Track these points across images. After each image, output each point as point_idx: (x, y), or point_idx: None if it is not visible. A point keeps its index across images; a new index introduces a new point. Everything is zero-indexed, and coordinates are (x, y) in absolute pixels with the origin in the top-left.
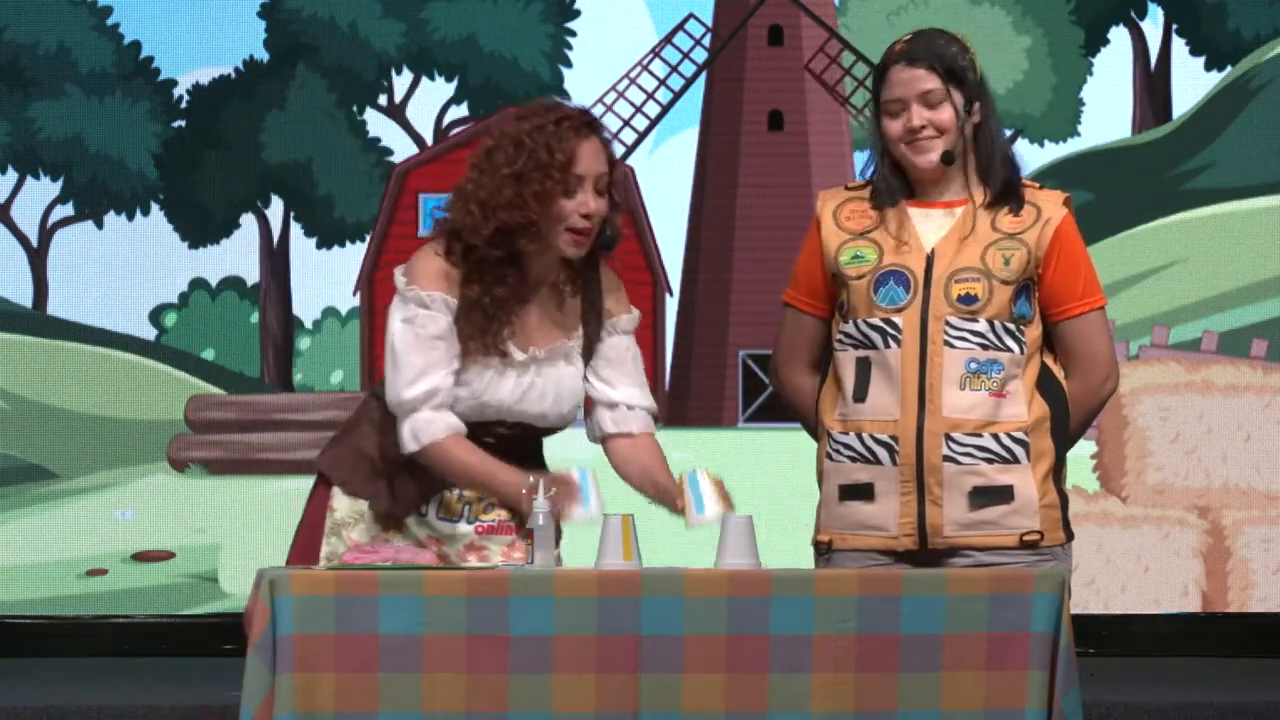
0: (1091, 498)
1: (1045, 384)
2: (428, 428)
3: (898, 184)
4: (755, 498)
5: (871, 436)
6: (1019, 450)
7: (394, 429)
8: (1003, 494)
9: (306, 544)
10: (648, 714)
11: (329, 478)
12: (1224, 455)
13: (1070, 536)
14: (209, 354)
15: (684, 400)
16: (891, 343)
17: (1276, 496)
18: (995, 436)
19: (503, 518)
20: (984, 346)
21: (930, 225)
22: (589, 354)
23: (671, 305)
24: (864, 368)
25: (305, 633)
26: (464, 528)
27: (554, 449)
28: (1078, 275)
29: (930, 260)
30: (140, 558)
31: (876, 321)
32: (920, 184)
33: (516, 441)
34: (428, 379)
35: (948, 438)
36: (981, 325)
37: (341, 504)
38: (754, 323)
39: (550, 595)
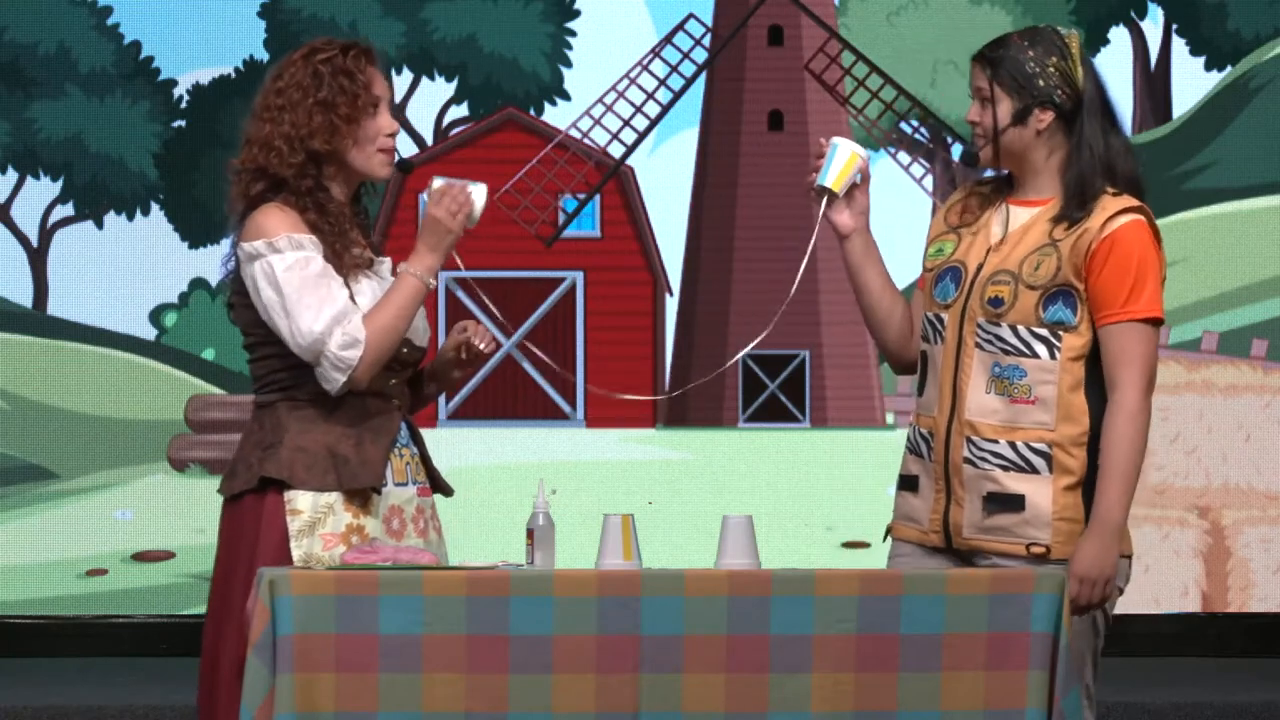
0: None
1: (1096, 396)
2: (354, 333)
3: (1002, 180)
4: (755, 498)
5: (919, 431)
6: (1038, 460)
7: (312, 415)
8: (1014, 503)
9: (276, 558)
10: (648, 714)
11: (287, 483)
12: (1224, 455)
13: None
14: (209, 354)
15: (684, 400)
16: (938, 339)
17: (1276, 496)
18: (1013, 445)
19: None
20: (1005, 351)
21: (1015, 222)
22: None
23: (671, 305)
24: (924, 361)
25: (305, 633)
26: (410, 490)
27: (556, 451)
28: (1122, 284)
29: (984, 259)
30: (140, 558)
31: (931, 316)
32: (1016, 181)
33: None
34: (329, 307)
35: (968, 440)
36: (1004, 330)
37: (305, 504)
38: (754, 323)
39: (550, 595)
